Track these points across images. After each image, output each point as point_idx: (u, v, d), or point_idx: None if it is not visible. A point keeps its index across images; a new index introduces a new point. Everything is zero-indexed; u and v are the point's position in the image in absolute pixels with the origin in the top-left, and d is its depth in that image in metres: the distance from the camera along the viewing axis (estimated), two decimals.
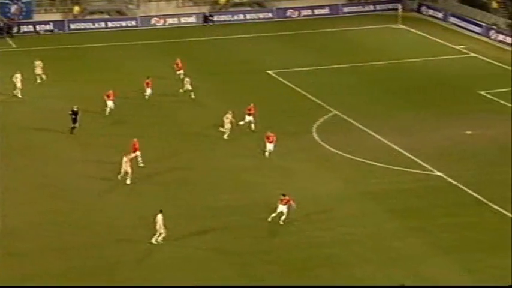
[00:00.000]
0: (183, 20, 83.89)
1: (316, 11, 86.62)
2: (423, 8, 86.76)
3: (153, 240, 39.95)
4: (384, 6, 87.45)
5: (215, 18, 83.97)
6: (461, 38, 78.08)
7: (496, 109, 59.41)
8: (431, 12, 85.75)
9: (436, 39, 77.26)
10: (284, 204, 41.95)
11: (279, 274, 38.36)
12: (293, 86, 63.92)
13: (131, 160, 46.52)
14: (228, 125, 52.85)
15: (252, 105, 54.10)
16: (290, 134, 54.47)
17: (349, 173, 48.94)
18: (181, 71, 62.51)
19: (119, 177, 46.18)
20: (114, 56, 72.26)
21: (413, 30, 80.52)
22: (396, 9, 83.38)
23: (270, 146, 50.27)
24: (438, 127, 55.51)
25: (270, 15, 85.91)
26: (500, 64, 70.03)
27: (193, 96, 59.87)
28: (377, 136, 53.95)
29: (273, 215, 41.99)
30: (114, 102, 56.55)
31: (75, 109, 53.11)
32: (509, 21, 78.46)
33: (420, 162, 49.92)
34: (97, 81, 62.96)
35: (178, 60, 63.35)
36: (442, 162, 50.01)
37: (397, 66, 69.96)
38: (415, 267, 38.95)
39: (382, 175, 48.27)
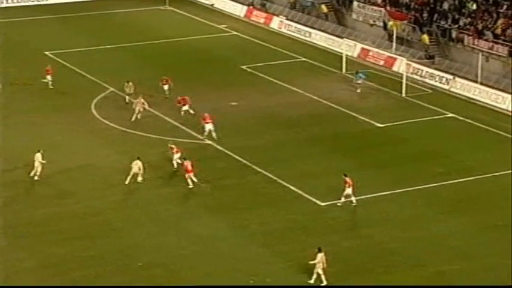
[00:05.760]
0: None
1: None
2: None
3: None
4: None
5: None
6: (223, 18, 77.05)
7: (256, 81, 59.14)
8: None
9: (202, 20, 75.86)
10: (349, 187, 39.48)
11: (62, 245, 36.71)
12: (71, 66, 61.24)
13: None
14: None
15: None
16: (71, 110, 52.37)
17: (127, 145, 47.30)
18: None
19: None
20: None
21: (181, 12, 78.73)
22: None
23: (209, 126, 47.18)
24: (207, 99, 54.19)
25: None
26: (256, 41, 69.62)
27: None
28: (152, 110, 52.08)
29: (342, 199, 39.53)
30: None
31: None
32: (264, 1, 78.66)
33: (191, 132, 49.01)
34: None
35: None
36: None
37: (168, 44, 68.31)
38: (185, 227, 38.24)
39: (157, 146, 46.84)
